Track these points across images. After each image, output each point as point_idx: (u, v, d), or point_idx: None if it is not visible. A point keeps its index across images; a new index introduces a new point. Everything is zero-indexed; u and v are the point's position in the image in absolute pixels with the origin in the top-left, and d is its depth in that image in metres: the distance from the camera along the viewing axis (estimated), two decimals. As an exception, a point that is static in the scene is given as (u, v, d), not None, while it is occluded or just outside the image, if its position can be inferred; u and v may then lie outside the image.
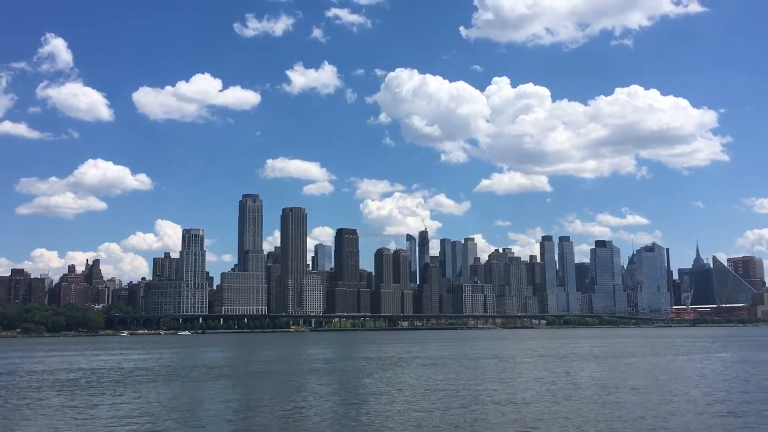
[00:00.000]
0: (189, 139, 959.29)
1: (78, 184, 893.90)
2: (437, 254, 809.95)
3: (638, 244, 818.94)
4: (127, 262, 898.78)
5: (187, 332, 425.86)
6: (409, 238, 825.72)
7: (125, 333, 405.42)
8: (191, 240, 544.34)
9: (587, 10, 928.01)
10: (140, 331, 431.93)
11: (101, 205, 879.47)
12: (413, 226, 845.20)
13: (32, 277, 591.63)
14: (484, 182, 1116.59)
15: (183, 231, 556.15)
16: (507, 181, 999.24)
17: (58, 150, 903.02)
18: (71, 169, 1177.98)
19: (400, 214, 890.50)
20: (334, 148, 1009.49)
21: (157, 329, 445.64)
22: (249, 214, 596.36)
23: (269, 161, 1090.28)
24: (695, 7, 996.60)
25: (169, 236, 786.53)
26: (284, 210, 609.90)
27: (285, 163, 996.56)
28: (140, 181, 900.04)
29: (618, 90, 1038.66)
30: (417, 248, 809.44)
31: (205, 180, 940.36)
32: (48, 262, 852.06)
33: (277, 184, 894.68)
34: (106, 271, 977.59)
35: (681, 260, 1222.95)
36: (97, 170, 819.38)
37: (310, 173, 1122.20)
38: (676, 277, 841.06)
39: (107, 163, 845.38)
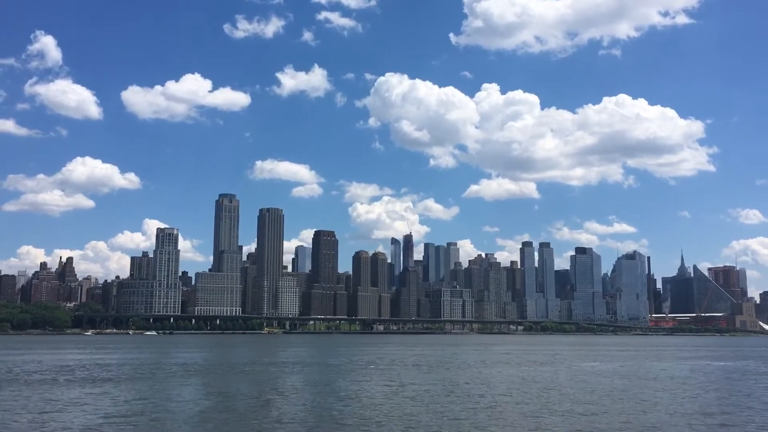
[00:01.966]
0: (178, 139, 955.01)
1: (66, 181, 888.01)
2: (422, 258, 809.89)
3: (624, 252, 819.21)
4: (114, 260, 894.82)
5: (153, 332, 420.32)
6: (394, 241, 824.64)
7: (90, 332, 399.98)
8: (165, 239, 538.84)
9: (576, 20, 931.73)
10: (108, 331, 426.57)
11: (89, 203, 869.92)
12: (401, 230, 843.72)
13: (2, 274, 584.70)
14: (473, 188, 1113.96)
15: (157, 230, 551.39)
16: (495, 187, 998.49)
17: (46, 147, 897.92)
18: (59, 166, 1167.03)
19: (388, 218, 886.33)
20: (323, 151, 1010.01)
21: (126, 329, 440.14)
22: (225, 214, 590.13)
23: (258, 163, 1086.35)
24: (682, 19, 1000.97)
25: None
26: (261, 211, 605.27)
27: (274, 165, 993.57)
28: (129, 180, 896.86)
29: (606, 99, 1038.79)
30: (402, 252, 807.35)
31: (193, 180, 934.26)
32: (34, 260, 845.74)
33: (266, 186, 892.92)
34: (94, 269, 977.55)
35: (666, 269, 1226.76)
36: (85, 168, 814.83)
37: (299, 176, 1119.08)
38: (660, 285, 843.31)
39: (95, 161, 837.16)
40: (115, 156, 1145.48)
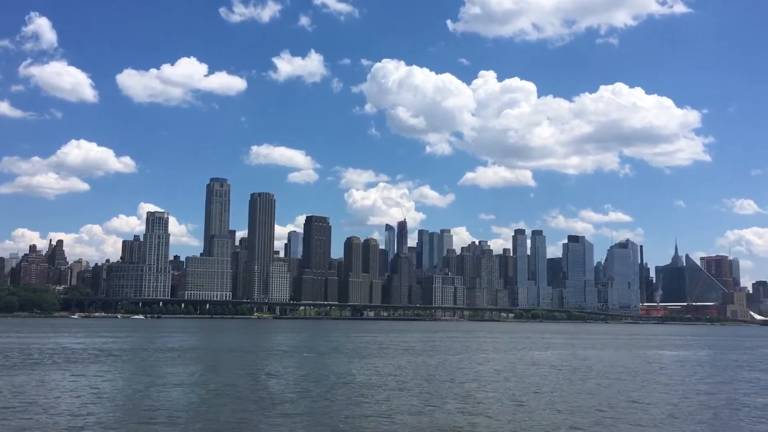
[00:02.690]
0: (173, 123, 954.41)
1: (61, 164, 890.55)
2: (416, 245, 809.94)
3: (618, 240, 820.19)
4: (110, 244, 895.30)
5: (140, 316, 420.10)
6: (388, 228, 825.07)
7: (76, 316, 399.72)
8: (155, 222, 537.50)
9: (573, 8, 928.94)
10: (96, 314, 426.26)
11: (84, 187, 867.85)
12: (397, 216, 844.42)
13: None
14: (469, 175, 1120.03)
15: (147, 213, 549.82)
16: (491, 174, 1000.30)
17: (41, 129, 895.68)
18: (54, 149, 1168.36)
19: (384, 204, 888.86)
20: (319, 137, 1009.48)
21: (115, 313, 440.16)
22: (216, 198, 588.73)
23: (254, 148, 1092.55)
24: (680, 8, 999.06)
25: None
26: (252, 196, 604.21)
27: (270, 150, 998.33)
28: (124, 164, 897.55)
29: (602, 87, 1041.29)
30: (396, 239, 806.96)
31: (189, 165, 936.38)
32: (29, 242, 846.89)
33: (261, 172, 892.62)
34: (89, 252, 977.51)
35: (661, 258, 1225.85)
36: (80, 151, 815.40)
37: (294, 161, 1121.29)
38: (652, 274, 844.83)
39: (90, 144, 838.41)
40: (110, 139, 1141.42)
